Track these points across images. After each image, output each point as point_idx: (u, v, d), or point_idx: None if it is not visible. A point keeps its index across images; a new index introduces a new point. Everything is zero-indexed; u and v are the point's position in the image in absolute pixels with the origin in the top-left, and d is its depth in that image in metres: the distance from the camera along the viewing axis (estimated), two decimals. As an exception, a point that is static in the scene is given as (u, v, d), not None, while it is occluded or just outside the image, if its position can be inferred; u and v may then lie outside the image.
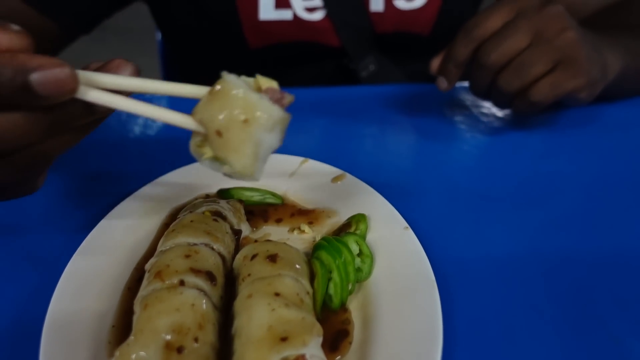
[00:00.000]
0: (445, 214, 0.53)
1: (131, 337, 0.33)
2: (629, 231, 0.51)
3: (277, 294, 0.36)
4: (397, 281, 0.41)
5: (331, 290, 0.40)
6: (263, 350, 0.32)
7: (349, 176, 0.52)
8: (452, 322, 0.41)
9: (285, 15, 0.75)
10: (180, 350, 0.33)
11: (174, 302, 0.35)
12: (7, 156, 0.31)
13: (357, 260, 0.42)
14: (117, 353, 0.33)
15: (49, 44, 0.73)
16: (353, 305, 0.41)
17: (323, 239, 0.43)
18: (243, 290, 0.37)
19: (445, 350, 0.36)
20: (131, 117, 0.67)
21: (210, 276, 0.38)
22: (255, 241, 0.46)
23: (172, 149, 0.53)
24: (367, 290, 0.41)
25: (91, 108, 0.31)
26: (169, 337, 0.33)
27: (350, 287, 0.41)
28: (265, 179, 0.52)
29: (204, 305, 0.35)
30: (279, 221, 0.49)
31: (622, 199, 0.55)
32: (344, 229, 0.46)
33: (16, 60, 0.27)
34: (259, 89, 0.32)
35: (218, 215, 0.45)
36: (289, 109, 0.33)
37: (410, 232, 0.45)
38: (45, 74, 0.27)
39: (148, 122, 0.66)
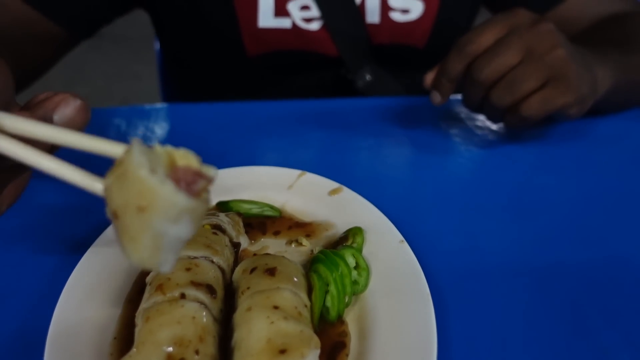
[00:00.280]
0: (440, 227, 0.54)
1: (133, 349, 0.34)
2: (621, 243, 0.52)
3: (275, 307, 0.37)
4: (392, 294, 0.42)
5: (328, 303, 0.41)
6: (262, 363, 0.33)
7: (345, 189, 0.53)
8: (447, 334, 0.42)
9: (284, 23, 0.76)
10: (181, 362, 0.33)
11: (175, 315, 0.36)
12: None
13: (354, 273, 0.43)
14: (119, 365, 0.33)
15: (53, 49, 0.74)
16: (350, 318, 0.42)
17: (320, 252, 0.44)
18: (242, 303, 0.38)
19: (439, 361, 0.37)
20: (131, 131, 0.68)
21: (210, 289, 0.39)
22: (255, 254, 0.47)
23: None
24: (364, 303, 0.42)
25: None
26: (170, 349, 0.34)
27: (347, 300, 0.42)
28: (264, 191, 0.54)
29: (205, 318, 0.36)
30: (276, 234, 0.50)
31: (614, 212, 0.57)
32: (340, 242, 0.47)
33: None
34: (171, 165, 0.27)
35: (217, 228, 0.46)
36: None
37: (406, 245, 0.46)
38: None
39: (147, 134, 0.67)
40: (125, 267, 0.45)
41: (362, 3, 0.77)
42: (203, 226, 0.45)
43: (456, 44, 0.59)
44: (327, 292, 0.41)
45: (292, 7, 0.75)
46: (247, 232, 0.49)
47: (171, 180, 0.25)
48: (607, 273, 0.49)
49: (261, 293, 0.38)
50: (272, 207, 0.52)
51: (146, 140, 0.66)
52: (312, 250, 0.48)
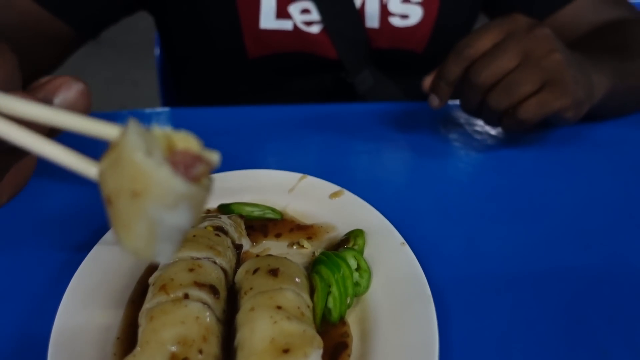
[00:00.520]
0: (440, 230, 0.54)
1: (137, 349, 0.34)
2: (620, 247, 0.53)
3: (278, 307, 0.37)
4: (394, 295, 0.42)
5: (330, 304, 0.41)
6: (266, 362, 0.33)
7: (347, 192, 0.54)
8: (448, 335, 0.42)
9: (286, 25, 0.77)
10: (185, 361, 0.34)
11: (178, 315, 0.36)
12: None
13: (355, 274, 0.44)
14: (123, 364, 0.33)
15: (60, 49, 0.75)
16: (351, 319, 0.42)
17: (322, 253, 0.45)
18: (245, 303, 0.38)
19: (441, 362, 0.37)
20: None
21: (213, 290, 0.39)
22: (257, 255, 0.47)
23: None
24: (365, 304, 0.43)
25: None
26: (174, 348, 0.34)
27: (348, 301, 0.42)
28: (265, 194, 0.54)
29: (208, 318, 0.36)
30: (278, 236, 0.51)
31: (613, 216, 0.57)
32: (342, 244, 0.47)
33: None
34: (170, 149, 0.25)
35: (220, 230, 0.46)
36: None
37: (407, 247, 0.46)
38: None
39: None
40: (128, 268, 0.45)
41: (362, 8, 0.78)
42: (206, 228, 0.46)
43: (454, 48, 0.60)
44: (329, 293, 0.41)
45: (293, 10, 0.76)
46: (249, 235, 0.50)
47: (169, 163, 0.23)
48: (607, 277, 0.49)
49: (264, 293, 0.38)
50: (273, 210, 0.52)
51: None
52: (313, 253, 0.48)
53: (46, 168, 0.36)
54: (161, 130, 0.25)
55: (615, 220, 0.57)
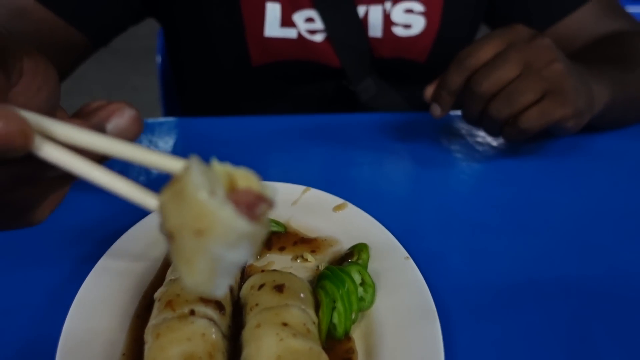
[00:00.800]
0: (443, 243, 0.54)
1: (144, 366, 0.34)
2: (623, 258, 0.53)
3: (284, 324, 0.37)
4: (399, 311, 0.42)
5: (335, 320, 0.41)
6: (272, 380, 0.33)
7: (350, 205, 0.54)
8: (453, 350, 0.42)
9: (290, 33, 0.77)
10: (191, 379, 0.34)
11: (185, 332, 0.36)
12: None
13: (360, 289, 0.44)
14: (130, 382, 0.34)
15: (72, 58, 0.75)
16: (356, 334, 0.42)
17: (327, 268, 0.45)
18: (251, 320, 0.38)
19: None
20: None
21: (219, 305, 0.39)
22: (262, 270, 0.47)
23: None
24: (370, 320, 0.43)
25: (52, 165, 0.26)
26: (181, 366, 0.34)
27: (353, 317, 0.42)
28: (269, 207, 0.54)
29: (214, 335, 0.37)
30: (282, 249, 0.51)
31: (616, 227, 0.57)
32: (346, 258, 0.48)
33: None
34: (231, 187, 0.25)
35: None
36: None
37: (411, 262, 0.46)
38: None
39: (149, 148, 0.67)
40: (133, 282, 0.45)
41: (365, 17, 0.79)
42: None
43: (456, 58, 0.60)
44: (334, 308, 0.41)
45: (297, 18, 0.77)
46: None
47: (231, 203, 0.24)
48: (609, 288, 0.49)
49: (270, 310, 0.38)
50: (277, 223, 0.53)
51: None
52: (317, 267, 0.48)
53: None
54: (222, 167, 0.25)
55: (617, 231, 0.57)
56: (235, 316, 0.41)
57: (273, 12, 0.76)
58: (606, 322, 0.46)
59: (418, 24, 0.80)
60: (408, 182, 0.66)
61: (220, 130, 0.73)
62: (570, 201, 0.61)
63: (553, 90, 0.58)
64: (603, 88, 0.65)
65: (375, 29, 0.80)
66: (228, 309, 0.40)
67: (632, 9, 0.96)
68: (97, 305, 0.42)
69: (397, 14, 0.79)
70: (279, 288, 0.40)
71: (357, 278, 0.44)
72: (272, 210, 0.25)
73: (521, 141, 0.69)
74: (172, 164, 0.25)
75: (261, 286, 0.41)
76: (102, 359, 0.39)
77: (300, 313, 0.39)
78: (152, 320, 0.38)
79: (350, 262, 0.46)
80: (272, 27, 0.76)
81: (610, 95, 0.66)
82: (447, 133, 0.74)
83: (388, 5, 0.78)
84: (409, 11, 0.79)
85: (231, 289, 0.43)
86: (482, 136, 0.73)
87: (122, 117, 0.27)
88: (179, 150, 0.67)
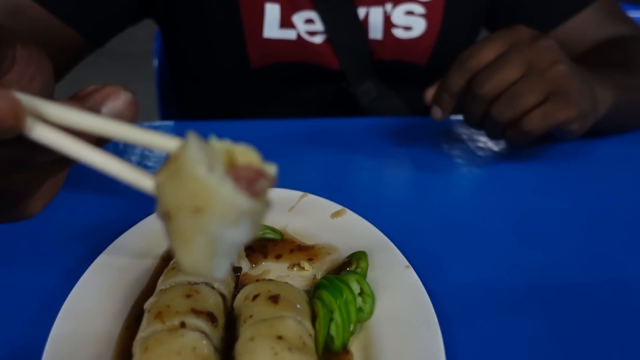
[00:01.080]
0: (444, 250, 0.53)
1: (131, 382, 0.33)
2: (626, 265, 0.52)
3: (279, 337, 0.35)
4: (399, 322, 0.41)
5: (333, 331, 0.40)
6: (266, 397, 0.32)
7: (348, 212, 0.52)
8: (455, 364, 0.41)
9: (289, 35, 0.76)
10: (181, 395, 0.32)
11: (175, 346, 0.34)
12: None
13: (359, 299, 0.42)
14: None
15: (68, 58, 0.74)
16: (355, 347, 0.40)
17: (324, 277, 0.43)
18: (245, 332, 0.36)
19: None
20: (129, 149, 0.67)
21: (211, 317, 0.37)
22: (257, 280, 0.45)
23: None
24: (369, 331, 0.41)
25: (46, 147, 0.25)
26: (169, 382, 0.32)
27: (352, 328, 0.40)
28: (265, 213, 0.52)
29: (205, 349, 0.35)
30: (278, 257, 0.49)
31: (620, 233, 0.56)
32: (344, 267, 0.46)
33: None
34: (231, 163, 0.24)
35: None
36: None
37: (412, 271, 0.45)
38: None
39: (145, 153, 0.66)
40: (122, 292, 0.44)
41: (366, 19, 0.78)
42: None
43: (457, 59, 0.59)
44: (331, 319, 0.40)
45: (297, 20, 0.75)
46: (247, 256, 0.48)
47: (231, 179, 0.23)
48: (613, 295, 0.48)
49: (264, 322, 0.37)
50: (273, 230, 0.51)
51: (144, 159, 0.65)
52: (315, 275, 0.47)
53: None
54: (221, 143, 0.25)
55: (620, 237, 0.55)
56: (228, 328, 0.40)
57: (272, 12, 0.74)
58: (609, 329, 0.44)
59: (419, 26, 0.79)
60: (408, 188, 0.64)
61: (217, 134, 0.72)
62: (572, 207, 0.60)
63: (557, 92, 0.56)
64: (606, 91, 0.64)
65: (375, 30, 0.78)
66: (221, 320, 0.38)
67: (634, 14, 0.95)
68: (85, 315, 0.41)
69: (398, 15, 0.78)
70: (274, 299, 0.39)
71: (356, 288, 0.43)
72: (272, 186, 0.24)
73: (524, 144, 0.68)
74: (169, 143, 0.24)
75: (256, 296, 0.39)
76: (89, 373, 0.37)
77: (296, 325, 0.37)
78: (141, 333, 0.36)
79: (349, 271, 0.45)
80: (271, 28, 0.75)
81: (614, 98, 0.65)
82: (447, 138, 0.73)
83: (389, 7, 0.77)
84: (410, 13, 0.78)
85: (224, 299, 0.41)
86: (483, 141, 0.72)
87: (118, 100, 0.27)
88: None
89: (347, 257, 0.47)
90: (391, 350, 0.39)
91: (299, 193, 0.55)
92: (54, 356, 0.37)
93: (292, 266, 0.48)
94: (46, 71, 0.31)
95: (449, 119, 0.62)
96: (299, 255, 0.49)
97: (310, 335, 0.38)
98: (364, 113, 0.83)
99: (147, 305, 0.39)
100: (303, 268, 0.47)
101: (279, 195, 0.54)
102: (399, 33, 0.79)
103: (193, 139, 0.23)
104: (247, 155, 0.25)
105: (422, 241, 0.53)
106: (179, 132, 0.74)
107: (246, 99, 0.86)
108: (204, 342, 0.35)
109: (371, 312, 0.42)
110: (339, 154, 0.68)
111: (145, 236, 0.49)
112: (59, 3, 0.69)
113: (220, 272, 0.24)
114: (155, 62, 1.12)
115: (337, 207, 0.53)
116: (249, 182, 0.23)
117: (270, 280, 0.43)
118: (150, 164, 0.64)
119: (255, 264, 0.48)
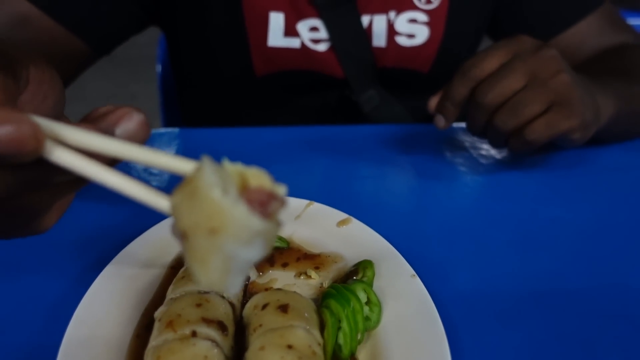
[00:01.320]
0: (449, 259, 0.53)
1: (144, 391, 0.33)
2: (629, 273, 0.52)
3: (289, 347, 0.36)
4: (406, 331, 0.41)
5: (340, 340, 0.40)
6: (277, 406, 0.32)
7: (354, 221, 0.53)
8: (461, 372, 0.41)
9: (294, 43, 0.77)
10: (193, 404, 0.33)
11: (186, 355, 0.35)
12: None
13: (366, 308, 0.43)
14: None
15: (74, 66, 0.75)
16: (362, 356, 0.41)
17: (331, 286, 0.44)
18: (255, 341, 0.37)
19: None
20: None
21: (221, 326, 0.38)
22: (266, 289, 0.46)
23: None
24: (376, 340, 0.41)
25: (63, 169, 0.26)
26: (182, 391, 0.33)
27: (359, 337, 0.41)
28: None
29: (216, 358, 0.35)
30: (285, 265, 0.50)
31: (620, 241, 0.57)
32: (350, 276, 0.46)
33: None
34: (243, 185, 0.26)
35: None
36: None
37: (418, 280, 0.45)
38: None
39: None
40: (132, 300, 0.44)
41: (370, 27, 0.78)
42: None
43: (461, 68, 0.59)
44: (339, 328, 0.40)
45: (301, 28, 0.76)
46: (255, 264, 0.48)
47: (244, 201, 0.24)
48: (617, 303, 0.49)
49: (274, 331, 0.37)
50: (280, 238, 0.51)
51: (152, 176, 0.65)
52: (321, 284, 0.47)
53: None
54: (233, 166, 0.26)
55: (623, 244, 0.56)
56: (237, 336, 0.40)
57: (276, 21, 0.75)
58: (614, 336, 0.45)
59: (422, 34, 0.80)
60: (411, 196, 0.65)
61: (220, 142, 0.72)
62: (575, 214, 0.61)
63: (559, 102, 0.57)
64: (608, 100, 0.65)
65: (379, 38, 0.79)
66: (231, 329, 0.39)
67: (634, 21, 0.96)
68: (96, 322, 0.41)
69: (401, 23, 0.79)
70: (284, 308, 0.39)
71: (363, 297, 0.43)
72: (284, 208, 0.26)
73: (527, 152, 0.68)
74: (183, 165, 0.25)
75: (265, 306, 0.40)
76: (101, 381, 0.37)
77: (305, 334, 0.37)
78: (153, 342, 0.37)
79: (356, 279, 0.45)
80: (276, 36, 0.76)
81: (616, 107, 0.66)
82: (450, 145, 0.73)
83: (392, 14, 0.78)
84: (413, 21, 0.79)
85: (234, 308, 0.41)
86: (486, 149, 0.72)
87: (131, 122, 0.28)
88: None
89: (354, 265, 0.48)
90: (398, 359, 0.39)
91: (305, 201, 0.55)
92: (66, 364, 0.38)
93: (298, 274, 0.48)
94: (57, 89, 0.31)
95: (452, 126, 0.63)
96: (305, 264, 0.49)
97: (319, 344, 0.38)
98: (367, 120, 0.84)
99: (157, 314, 0.40)
100: (310, 276, 0.48)
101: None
102: (402, 41, 0.80)
103: (207, 163, 0.24)
104: (258, 177, 0.26)
105: (426, 249, 0.54)
106: (182, 139, 0.75)
107: (250, 106, 0.86)
108: (215, 350, 0.36)
109: (378, 321, 0.43)
110: (342, 161, 0.69)
111: (152, 245, 0.49)
112: (66, 13, 0.69)
113: (235, 288, 0.25)
114: (159, 68, 1.12)
115: (343, 215, 0.54)
116: (262, 204, 0.25)
117: (279, 289, 0.43)
118: (153, 179, 0.65)
119: (262, 272, 0.49)
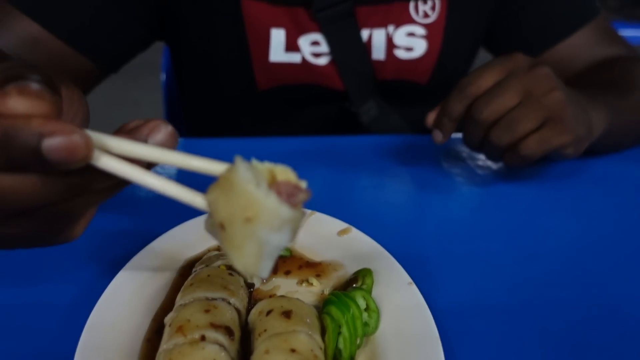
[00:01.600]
0: (446, 267, 0.55)
1: (157, 392, 0.35)
2: (622, 285, 0.54)
3: (293, 350, 0.38)
4: (402, 336, 0.43)
5: (341, 345, 0.42)
6: (281, 406, 0.35)
7: (354, 230, 0.55)
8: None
9: (295, 58, 0.79)
10: (203, 405, 0.35)
11: (196, 357, 0.37)
12: (26, 213, 0.31)
13: (365, 315, 0.45)
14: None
15: (82, 83, 0.76)
16: (361, 359, 0.43)
17: (332, 294, 0.46)
18: (260, 345, 0.39)
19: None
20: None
21: (228, 331, 0.40)
22: (270, 296, 0.48)
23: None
24: (374, 345, 0.44)
25: (108, 174, 0.29)
26: (192, 392, 0.35)
27: (358, 342, 0.43)
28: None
29: (224, 361, 0.38)
30: (287, 273, 0.52)
31: (616, 252, 0.59)
32: (350, 283, 0.49)
33: (29, 125, 0.26)
34: (272, 180, 0.29)
35: (233, 268, 0.47)
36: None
37: (414, 287, 0.47)
38: (56, 140, 0.26)
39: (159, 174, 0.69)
40: (143, 306, 0.46)
41: (369, 40, 0.80)
42: (219, 267, 0.47)
43: (457, 85, 0.62)
44: (339, 334, 0.43)
45: (302, 43, 0.78)
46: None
47: (274, 193, 0.28)
48: (610, 313, 0.51)
49: (278, 336, 0.39)
50: (282, 247, 0.54)
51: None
52: (322, 291, 0.49)
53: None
54: (262, 165, 0.30)
55: (616, 254, 0.58)
56: (243, 340, 0.42)
57: (277, 37, 0.77)
58: (605, 345, 0.47)
59: (420, 47, 0.82)
60: (410, 206, 0.67)
61: (223, 152, 0.74)
62: (570, 225, 0.63)
63: (553, 118, 0.59)
64: (601, 115, 0.67)
65: (378, 51, 0.81)
66: (237, 334, 0.41)
67: (626, 32, 0.98)
68: (109, 328, 0.43)
69: (400, 37, 0.81)
70: (287, 314, 0.41)
71: (362, 303, 0.45)
72: (308, 199, 0.30)
73: (521, 166, 0.71)
74: (215, 166, 0.30)
75: (269, 312, 0.42)
76: (114, 383, 0.40)
77: (308, 339, 0.40)
78: (164, 345, 0.39)
79: (355, 287, 0.48)
80: (277, 52, 0.78)
81: (608, 121, 0.68)
82: (448, 156, 0.76)
83: (391, 28, 0.80)
84: (411, 34, 0.81)
85: (240, 314, 0.44)
86: (483, 160, 0.75)
87: (160, 133, 0.31)
88: (179, 171, 0.69)
89: (353, 273, 0.50)
90: (395, 363, 0.42)
91: (307, 211, 0.58)
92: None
93: (301, 282, 0.51)
94: (85, 107, 0.35)
95: (450, 138, 0.65)
96: (307, 272, 0.52)
97: (321, 348, 0.41)
98: (367, 131, 0.86)
99: (167, 319, 0.42)
100: (311, 284, 0.50)
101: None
102: (400, 54, 0.82)
103: (241, 161, 0.28)
104: (285, 173, 0.30)
105: (423, 258, 0.56)
106: (186, 150, 0.77)
107: (252, 119, 0.89)
108: (223, 354, 0.38)
109: (376, 327, 0.45)
110: (342, 171, 0.71)
111: (161, 253, 0.51)
112: (75, 35, 0.71)
113: (266, 272, 0.30)
114: (163, 77, 1.14)
115: (343, 225, 0.56)
116: (289, 196, 0.29)
117: (282, 296, 0.45)
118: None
119: (266, 279, 0.51)
